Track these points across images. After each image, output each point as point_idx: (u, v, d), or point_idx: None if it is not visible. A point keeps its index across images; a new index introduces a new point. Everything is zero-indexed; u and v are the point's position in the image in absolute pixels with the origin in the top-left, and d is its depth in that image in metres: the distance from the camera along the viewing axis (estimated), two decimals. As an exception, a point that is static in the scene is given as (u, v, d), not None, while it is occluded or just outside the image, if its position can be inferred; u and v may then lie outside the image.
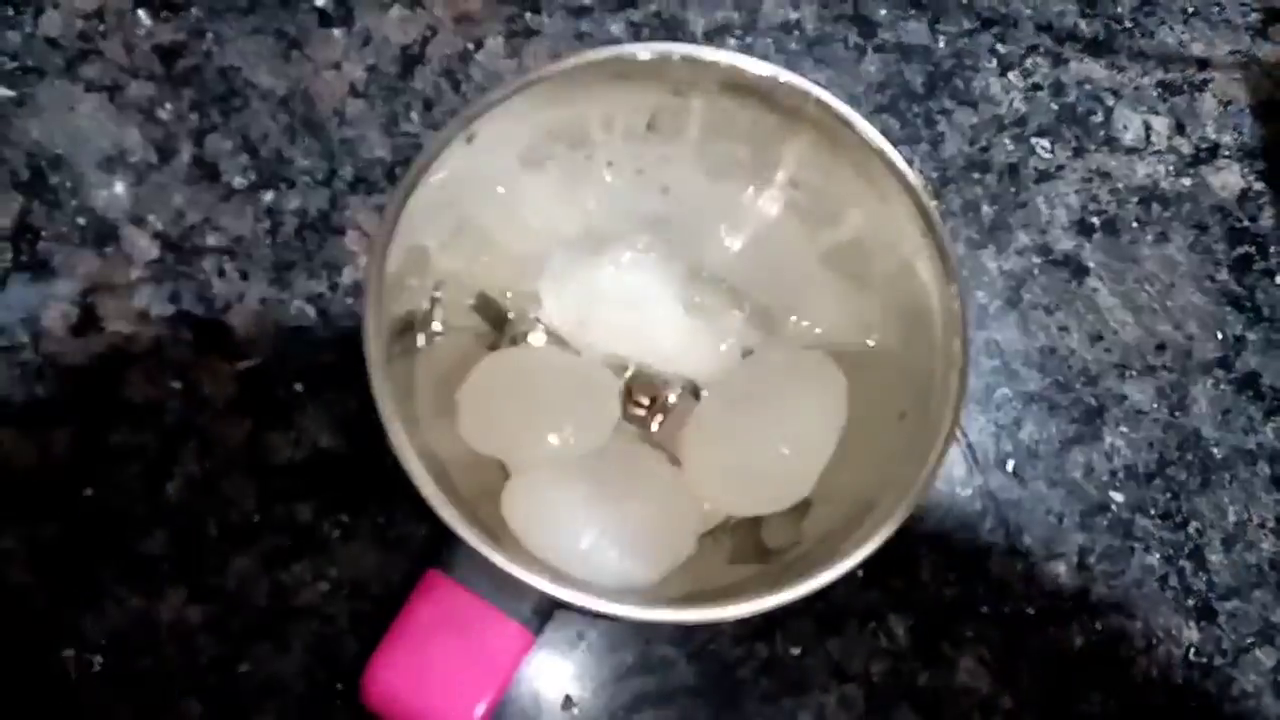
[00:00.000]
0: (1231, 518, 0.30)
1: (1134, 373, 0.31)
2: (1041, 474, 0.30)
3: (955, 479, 0.30)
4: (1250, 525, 0.30)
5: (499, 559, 0.18)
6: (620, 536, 0.22)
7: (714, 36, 0.33)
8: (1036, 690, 0.28)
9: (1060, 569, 0.29)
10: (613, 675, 0.27)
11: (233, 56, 0.32)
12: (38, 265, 0.29)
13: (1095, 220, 0.33)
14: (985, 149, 0.33)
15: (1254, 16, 0.36)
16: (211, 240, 0.30)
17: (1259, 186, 0.34)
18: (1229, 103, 0.35)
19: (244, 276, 0.30)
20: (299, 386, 0.29)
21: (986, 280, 0.32)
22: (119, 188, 0.30)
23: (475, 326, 0.26)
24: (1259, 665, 0.29)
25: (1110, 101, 0.34)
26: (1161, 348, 0.32)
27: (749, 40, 0.34)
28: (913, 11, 0.34)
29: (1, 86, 0.30)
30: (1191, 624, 0.29)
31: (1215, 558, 0.30)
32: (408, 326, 0.23)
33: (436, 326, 0.24)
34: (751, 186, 0.25)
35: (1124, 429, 0.31)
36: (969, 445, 0.30)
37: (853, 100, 0.33)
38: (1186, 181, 0.34)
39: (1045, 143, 0.34)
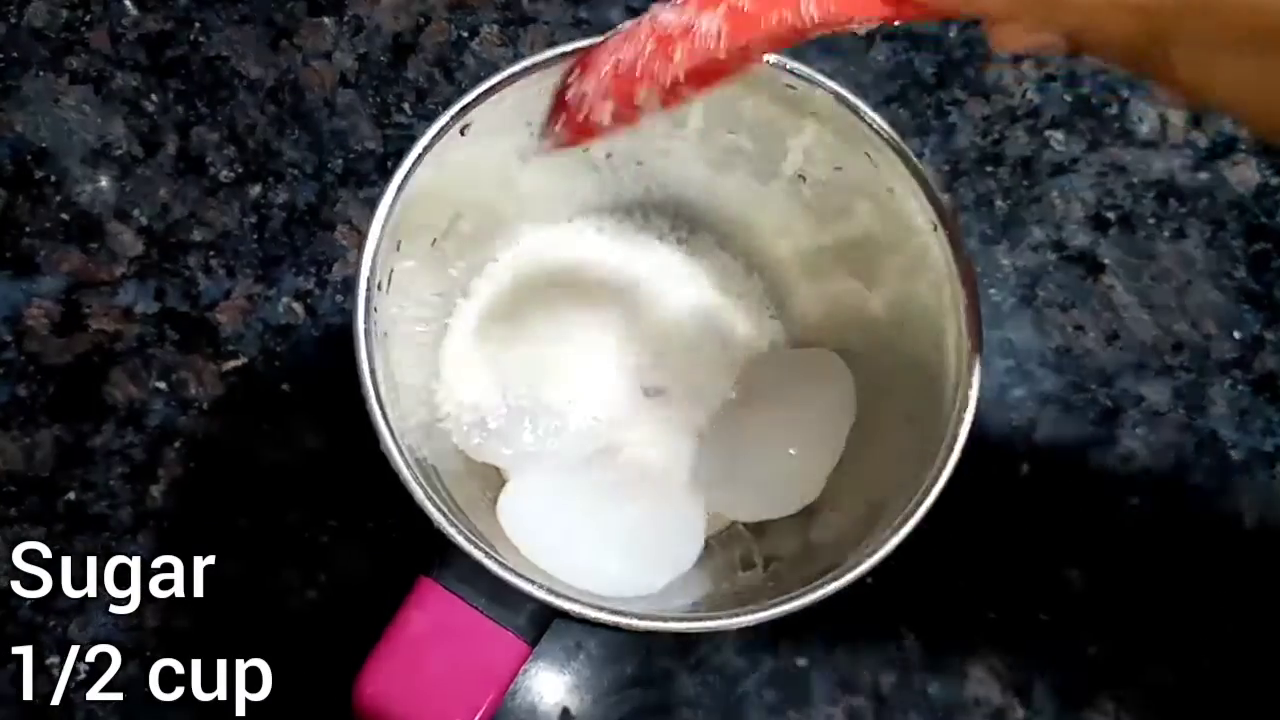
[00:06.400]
0: (1248, 523, 0.30)
1: (1151, 373, 0.31)
2: (1056, 477, 0.29)
3: (967, 482, 0.29)
4: (1268, 529, 0.30)
5: (493, 566, 0.18)
6: (620, 543, 0.22)
7: (717, 25, 0.33)
8: (1049, 700, 0.28)
9: (1075, 575, 0.29)
10: (612, 687, 0.27)
11: (220, 46, 0.31)
12: (21, 262, 0.29)
13: (1111, 215, 0.32)
14: (998, 141, 0.33)
15: (1272, 6, 0.35)
16: (197, 235, 0.29)
17: (1276, 181, 0.33)
18: (1246, 95, 0.34)
19: (230, 273, 0.29)
20: (286, 386, 0.28)
21: (1000, 277, 0.31)
22: (104, 182, 0.29)
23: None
24: (1277, 671, 0.28)
25: (1125, 93, 0.33)
26: (1179, 347, 0.31)
27: (753, 29, 0.33)
28: None
29: (-17, 77, 0.30)
30: (1208, 629, 0.28)
31: (1233, 562, 0.29)
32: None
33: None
34: (756, 179, 0.24)
35: (1140, 430, 0.30)
36: (982, 448, 0.30)
37: (861, 90, 0.32)
38: (1203, 176, 0.33)
39: (1059, 135, 0.33)
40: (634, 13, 0.32)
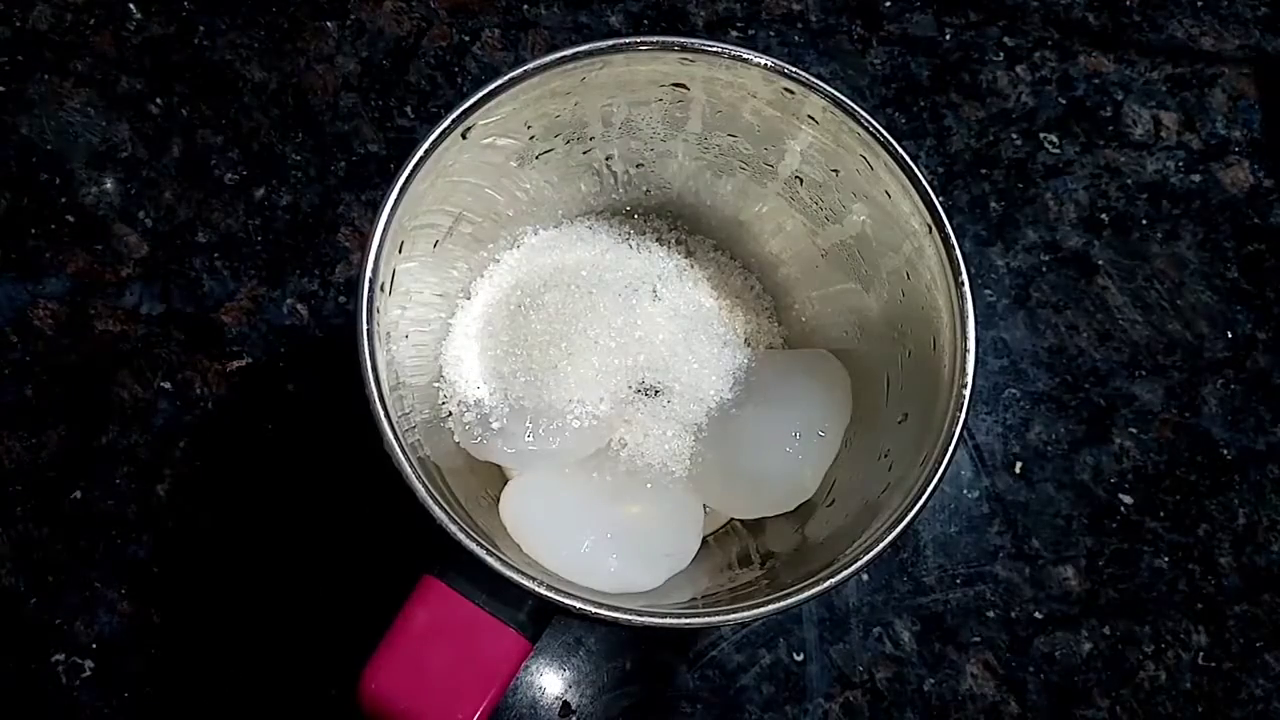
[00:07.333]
0: (1241, 520, 0.30)
1: (1143, 372, 0.31)
2: (1050, 476, 0.30)
3: (962, 481, 0.30)
4: (1260, 527, 0.30)
5: (495, 563, 0.18)
6: (620, 541, 0.22)
7: (715, 28, 0.33)
8: (1043, 696, 0.28)
9: (1068, 572, 0.29)
10: (611, 682, 0.27)
11: (224, 50, 0.31)
12: (27, 263, 0.29)
13: (1104, 217, 0.32)
14: (993, 144, 0.33)
15: (1263, 10, 0.35)
16: (202, 237, 0.29)
17: (1269, 183, 0.33)
18: (1239, 98, 0.34)
19: (235, 274, 0.29)
20: (291, 387, 0.28)
21: (994, 278, 0.32)
22: (109, 184, 0.30)
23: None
24: (1268, 669, 0.29)
25: (1119, 96, 0.34)
26: (1171, 347, 0.31)
27: (751, 32, 0.33)
28: (918, 3, 0.34)
29: (-11, 81, 0.30)
30: (1200, 628, 0.29)
31: (1225, 560, 0.29)
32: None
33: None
34: (754, 182, 0.25)
35: (1133, 430, 0.30)
36: (976, 446, 0.30)
37: (857, 94, 0.33)
38: (1196, 178, 0.33)
39: (1053, 137, 0.33)
40: (632, 17, 0.33)
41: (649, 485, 0.23)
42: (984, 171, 0.32)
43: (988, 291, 0.31)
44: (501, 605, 0.19)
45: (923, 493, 0.19)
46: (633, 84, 0.22)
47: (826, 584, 0.18)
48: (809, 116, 0.22)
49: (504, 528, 0.22)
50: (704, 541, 0.24)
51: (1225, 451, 0.30)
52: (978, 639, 0.28)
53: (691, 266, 0.27)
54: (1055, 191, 0.32)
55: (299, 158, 0.30)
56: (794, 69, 0.21)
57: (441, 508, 0.18)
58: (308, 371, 0.28)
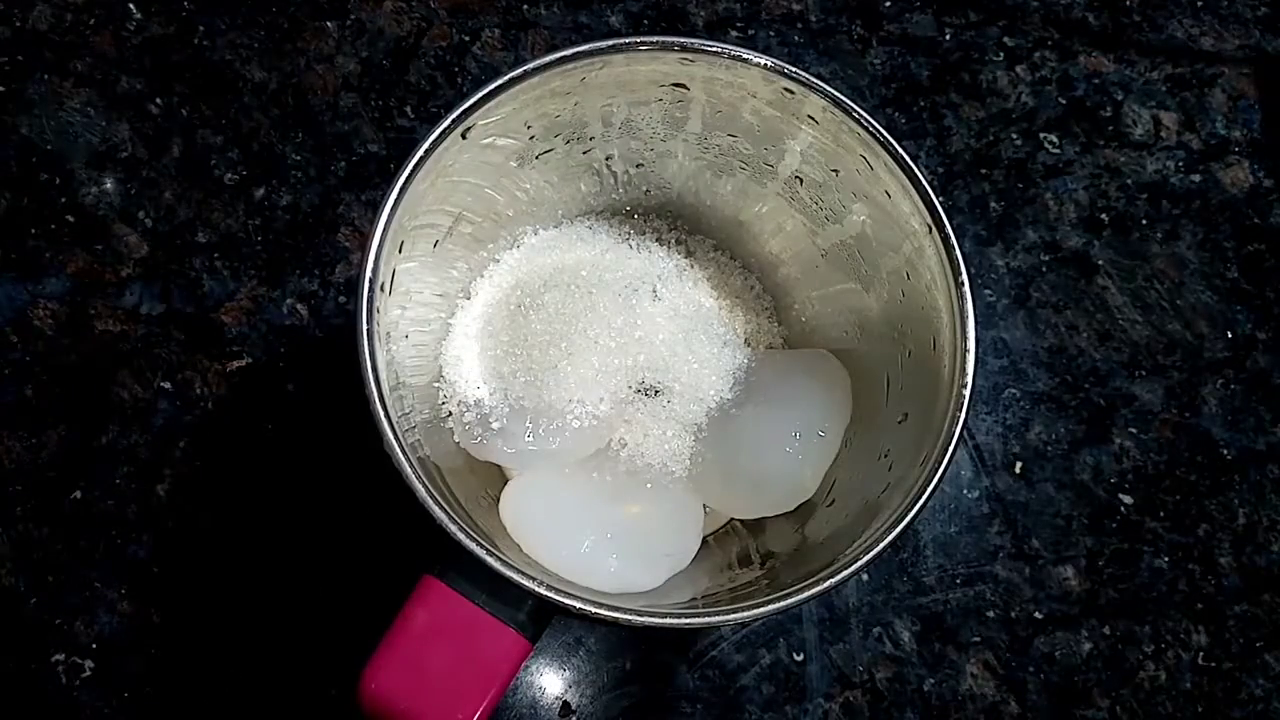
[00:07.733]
0: (1241, 520, 0.30)
1: (1143, 372, 0.31)
2: (1050, 476, 0.30)
3: (962, 481, 0.30)
4: (1260, 527, 0.30)
5: (495, 563, 0.18)
6: (620, 541, 0.22)
7: (715, 28, 0.33)
8: (1043, 696, 0.28)
9: (1068, 572, 0.29)
10: (611, 682, 0.27)
11: (224, 50, 0.31)
12: (27, 263, 0.29)
13: (1104, 217, 0.32)
14: (993, 144, 0.33)
15: (1263, 10, 0.35)
16: (202, 237, 0.29)
17: (1269, 183, 0.33)
18: (1239, 98, 0.34)
19: (235, 274, 0.29)
20: (290, 386, 0.28)
21: (994, 278, 0.32)
22: (109, 184, 0.30)
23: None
24: (1268, 669, 0.29)
25: (1119, 96, 0.34)
26: (1171, 347, 0.31)
27: (751, 32, 0.33)
28: (918, 3, 0.34)
29: (-11, 81, 0.30)
30: (1200, 627, 0.29)
31: (1225, 560, 0.29)
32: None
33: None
34: (754, 182, 0.25)
35: (1133, 430, 0.30)
36: (976, 446, 0.30)
37: (857, 94, 0.33)
38: (1196, 178, 0.33)
39: (1053, 137, 0.33)
40: (632, 17, 0.33)
41: (649, 485, 0.23)
42: (984, 171, 0.32)
43: (988, 291, 0.31)
44: (501, 605, 0.19)
45: (923, 493, 0.19)
46: (633, 84, 0.22)
47: (826, 584, 0.18)
48: (809, 116, 0.22)
49: (504, 528, 0.22)
50: (704, 541, 0.24)
51: (1225, 451, 0.30)
52: (978, 639, 0.28)
53: (691, 266, 0.27)
54: (1055, 191, 0.32)
55: (299, 158, 0.30)
56: (794, 69, 0.21)
57: (441, 508, 0.18)
58: (308, 371, 0.28)
